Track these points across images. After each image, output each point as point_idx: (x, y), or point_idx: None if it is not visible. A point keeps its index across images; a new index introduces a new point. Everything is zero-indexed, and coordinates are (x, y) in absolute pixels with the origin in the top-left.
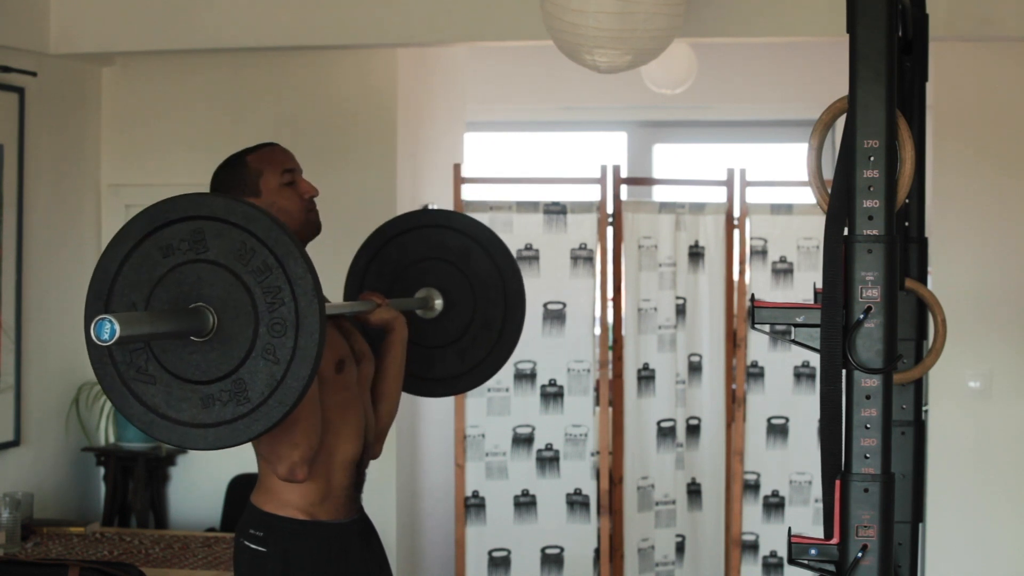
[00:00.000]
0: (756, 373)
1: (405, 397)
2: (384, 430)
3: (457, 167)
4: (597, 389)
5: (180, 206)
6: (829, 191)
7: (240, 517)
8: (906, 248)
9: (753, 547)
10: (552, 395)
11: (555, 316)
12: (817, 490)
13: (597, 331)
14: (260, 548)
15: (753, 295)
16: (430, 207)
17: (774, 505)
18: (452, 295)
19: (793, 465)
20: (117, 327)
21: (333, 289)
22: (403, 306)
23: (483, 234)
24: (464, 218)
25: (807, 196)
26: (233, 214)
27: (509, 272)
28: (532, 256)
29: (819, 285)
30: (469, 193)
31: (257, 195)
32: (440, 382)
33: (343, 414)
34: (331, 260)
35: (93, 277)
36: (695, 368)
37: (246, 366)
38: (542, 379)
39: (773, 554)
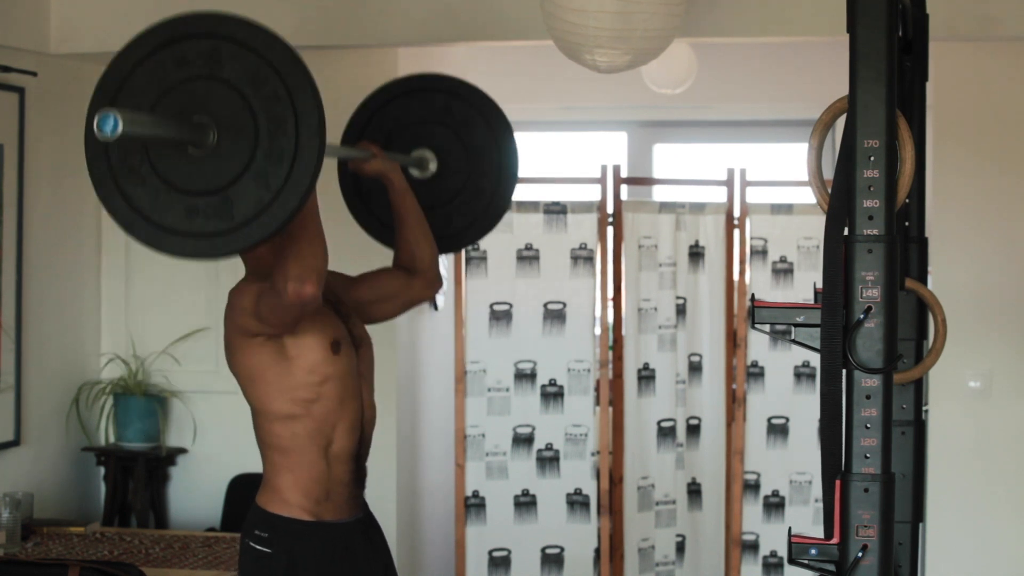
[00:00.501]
0: (756, 373)
1: (404, 397)
2: (431, 269)
3: None
4: (597, 389)
5: (203, 22)
6: (829, 191)
7: (244, 517)
8: (906, 248)
9: (753, 547)
10: (552, 395)
11: (555, 316)
12: (817, 490)
13: (597, 331)
14: (265, 549)
15: (753, 295)
16: None
17: (774, 505)
18: (447, 159)
19: (793, 465)
20: (120, 122)
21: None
22: (398, 161)
23: (488, 108)
24: (472, 88)
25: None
26: (254, 39)
27: (507, 148)
28: (532, 256)
29: (819, 285)
30: None
31: None
32: None
33: (341, 407)
34: (331, 260)
35: (104, 74)
36: (695, 368)
37: (236, 185)
38: (542, 379)
39: (773, 554)
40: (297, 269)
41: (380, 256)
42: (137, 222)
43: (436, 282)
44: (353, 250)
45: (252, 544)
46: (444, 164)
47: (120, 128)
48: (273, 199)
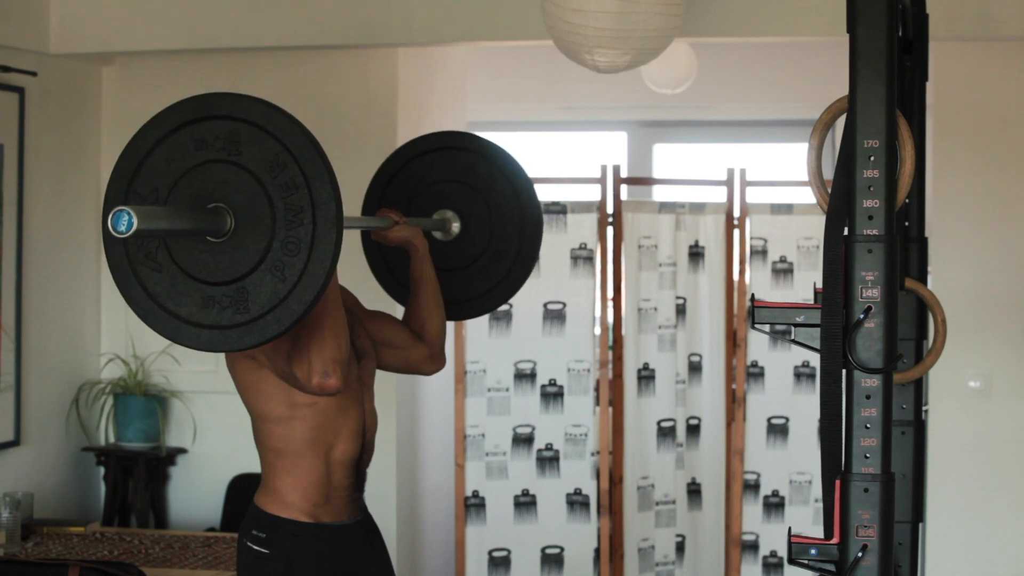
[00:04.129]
0: (756, 373)
1: (404, 397)
2: (438, 342)
3: None
4: (597, 389)
5: (223, 103)
6: (829, 191)
7: (243, 518)
8: (906, 248)
9: (753, 547)
10: (552, 395)
11: (555, 316)
12: (817, 490)
13: (597, 331)
14: (263, 550)
15: (753, 295)
16: None
17: (774, 505)
18: (470, 222)
19: (793, 465)
20: (135, 220)
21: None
22: (421, 225)
23: (512, 168)
24: (498, 149)
25: (807, 196)
26: (272, 123)
27: (531, 211)
28: None
29: (819, 285)
30: None
31: None
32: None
33: (342, 413)
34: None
35: (122, 154)
36: (695, 368)
37: (252, 276)
38: (542, 379)
39: (773, 554)
40: (320, 363)
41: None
42: (154, 311)
43: (439, 358)
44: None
45: (250, 545)
46: (466, 225)
47: (135, 225)
48: (289, 292)
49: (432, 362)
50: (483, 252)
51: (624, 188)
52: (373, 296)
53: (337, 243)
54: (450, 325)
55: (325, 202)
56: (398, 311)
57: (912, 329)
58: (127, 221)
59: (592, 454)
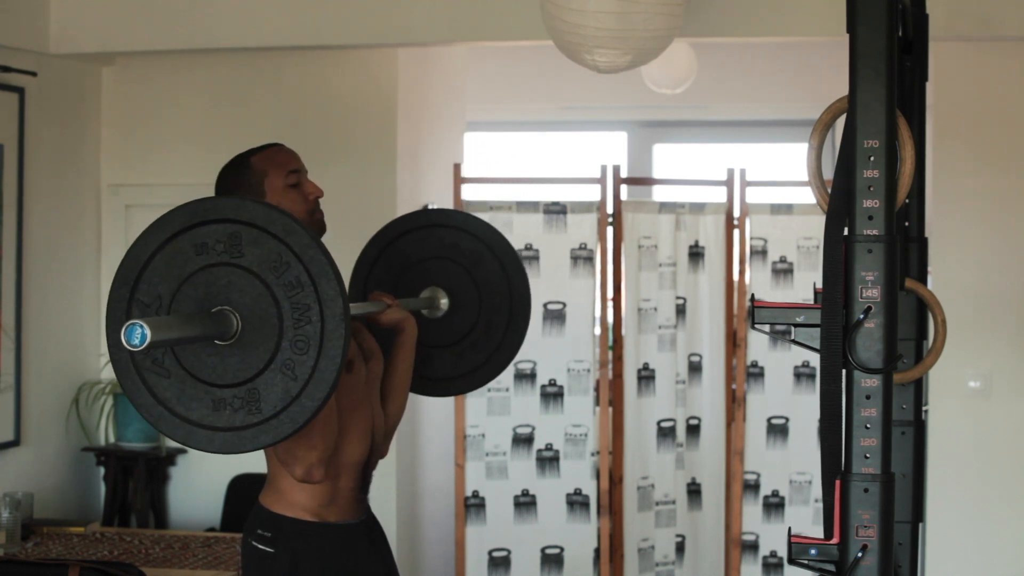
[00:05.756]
0: (756, 373)
1: None
2: (392, 428)
3: (457, 167)
4: (597, 389)
5: (221, 207)
6: (829, 191)
7: (247, 516)
8: (906, 248)
9: (753, 547)
10: (552, 395)
11: (555, 316)
12: (817, 490)
13: (597, 331)
14: (268, 549)
15: (753, 295)
16: (430, 207)
17: (774, 505)
18: (458, 298)
19: (793, 465)
20: (148, 332)
21: None
22: (411, 306)
23: (497, 242)
24: (481, 223)
25: (807, 196)
26: (273, 224)
27: (518, 282)
28: (532, 256)
29: (819, 285)
30: (469, 193)
31: (262, 197)
32: (435, 382)
33: (352, 416)
34: None
35: (123, 262)
36: (695, 368)
37: (263, 377)
38: (542, 379)
39: (773, 554)
40: (308, 457)
41: None
42: (165, 417)
43: (383, 445)
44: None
45: (255, 544)
46: (455, 302)
47: (148, 338)
48: (301, 390)
49: (377, 445)
50: (473, 326)
51: (624, 188)
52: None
53: (346, 339)
54: None
55: (332, 299)
56: None
57: (912, 329)
58: (140, 334)
59: (592, 454)
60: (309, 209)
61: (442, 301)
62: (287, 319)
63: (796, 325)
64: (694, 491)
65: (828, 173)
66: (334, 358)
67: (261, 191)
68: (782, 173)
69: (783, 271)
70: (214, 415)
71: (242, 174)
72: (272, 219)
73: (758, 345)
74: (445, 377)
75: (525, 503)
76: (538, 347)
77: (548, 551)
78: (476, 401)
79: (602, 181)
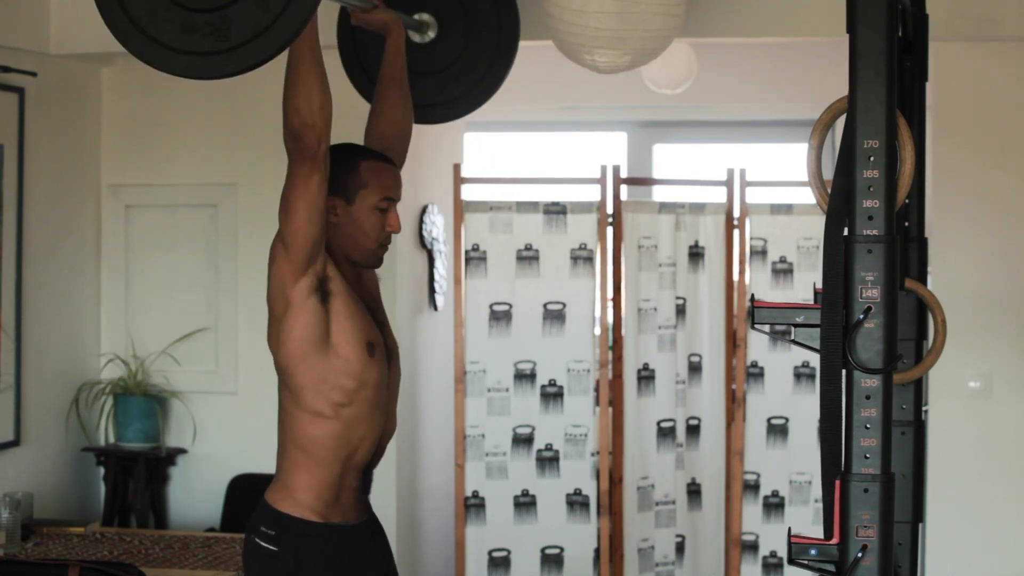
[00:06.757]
0: (756, 373)
1: (404, 397)
2: (404, 139)
3: (457, 167)
4: (597, 389)
5: None
6: (829, 191)
7: (245, 517)
8: (906, 248)
9: (753, 547)
10: (552, 395)
11: (555, 316)
12: (817, 490)
13: (597, 331)
14: (272, 547)
15: (753, 295)
16: (430, 207)
17: (774, 505)
18: (447, 26)
19: (793, 465)
20: None
21: None
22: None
23: None
24: None
25: (807, 196)
26: None
27: (509, 20)
28: (532, 256)
29: (819, 285)
30: (469, 193)
31: (349, 201)
32: (418, 108)
33: (369, 416)
34: None
35: None
36: (695, 368)
37: (236, 5)
38: (542, 379)
39: (773, 554)
40: (305, 95)
41: None
42: (134, 36)
43: (402, 157)
44: None
45: (259, 541)
46: (443, 31)
47: None
48: (272, 22)
49: (408, 113)
50: (458, 57)
51: (624, 188)
52: None
53: None
54: (449, 326)
55: None
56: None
57: (912, 329)
58: None
59: (592, 454)
60: (381, 241)
61: (430, 29)
62: None
63: (796, 325)
64: (694, 491)
65: (828, 173)
66: None
67: (353, 194)
68: (782, 173)
69: (783, 271)
70: (183, 38)
71: (346, 170)
72: None
73: (758, 345)
74: (426, 104)
75: (525, 503)
76: (538, 347)
77: (548, 551)
78: (476, 401)
79: (602, 181)
